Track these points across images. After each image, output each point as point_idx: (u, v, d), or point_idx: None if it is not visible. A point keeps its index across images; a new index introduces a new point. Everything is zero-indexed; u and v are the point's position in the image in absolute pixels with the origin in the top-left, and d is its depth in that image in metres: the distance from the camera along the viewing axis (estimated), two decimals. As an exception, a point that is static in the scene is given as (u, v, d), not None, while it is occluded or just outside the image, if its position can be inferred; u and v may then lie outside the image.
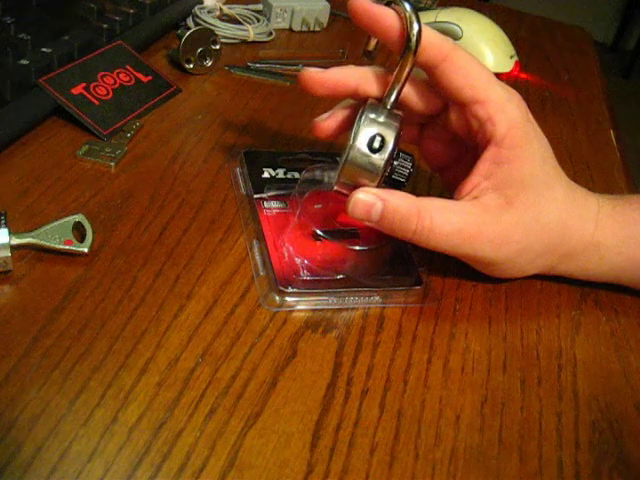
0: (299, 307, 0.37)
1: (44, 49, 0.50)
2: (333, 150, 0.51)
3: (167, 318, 0.35)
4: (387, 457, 0.30)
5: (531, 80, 0.71)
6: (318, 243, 0.40)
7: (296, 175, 0.46)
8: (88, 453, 0.28)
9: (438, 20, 0.73)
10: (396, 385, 0.33)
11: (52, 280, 0.35)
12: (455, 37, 0.72)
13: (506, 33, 0.73)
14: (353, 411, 0.32)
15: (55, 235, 0.37)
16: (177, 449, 0.29)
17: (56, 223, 0.38)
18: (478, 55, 0.72)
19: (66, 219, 0.38)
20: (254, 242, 0.40)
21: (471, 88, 0.38)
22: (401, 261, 0.41)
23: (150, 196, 0.43)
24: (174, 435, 0.29)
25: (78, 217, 0.38)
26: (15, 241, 0.36)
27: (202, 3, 0.69)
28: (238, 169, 0.47)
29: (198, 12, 0.67)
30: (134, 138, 0.49)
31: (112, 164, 0.45)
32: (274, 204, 0.43)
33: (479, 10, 0.75)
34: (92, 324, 0.33)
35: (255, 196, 0.43)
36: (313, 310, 0.37)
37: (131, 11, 0.60)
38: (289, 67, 0.64)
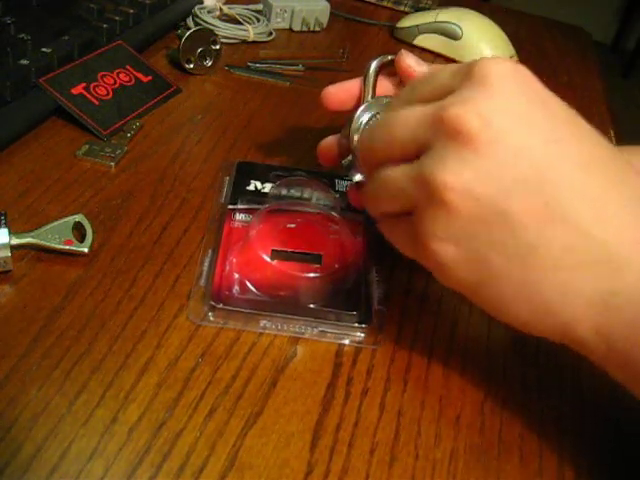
0: (227, 325, 0.35)
1: (44, 49, 0.50)
2: (332, 171, 0.50)
3: (167, 318, 0.35)
4: (387, 457, 0.30)
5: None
6: (273, 262, 0.38)
7: (283, 193, 0.44)
8: (88, 453, 0.28)
9: (438, 20, 0.74)
10: (396, 385, 0.33)
11: (52, 280, 0.35)
12: (455, 37, 0.72)
13: (506, 33, 0.73)
14: (353, 411, 0.32)
15: (55, 235, 0.37)
16: (177, 449, 0.29)
17: (56, 223, 0.38)
18: (478, 55, 0.72)
19: (66, 219, 0.38)
20: (209, 251, 0.39)
21: None
22: (356, 295, 0.37)
23: (150, 196, 0.43)
24: (174, 435, 0.29)
25: (78, 217, 0.38)
26: (15, 241, 0.36)
27: (202, 3, 0.69)
28: (227, 178, 0.45)
29: (198, 12, 0.67)
30: (134, 138, 0.49)
31: (112, 164, 0.45)
32: (243, 217, 0.41)
33: (479, 10, 0.75)
34: (92, 324, 0.33)
35: (229, 206, 0.42)
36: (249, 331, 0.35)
37: (131, 11, 0.60)
38: (289, 67, 0.64)
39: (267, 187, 0.45)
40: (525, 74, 0.29)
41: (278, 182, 0.45)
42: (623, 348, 0.27)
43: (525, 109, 0.28)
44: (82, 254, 0.37)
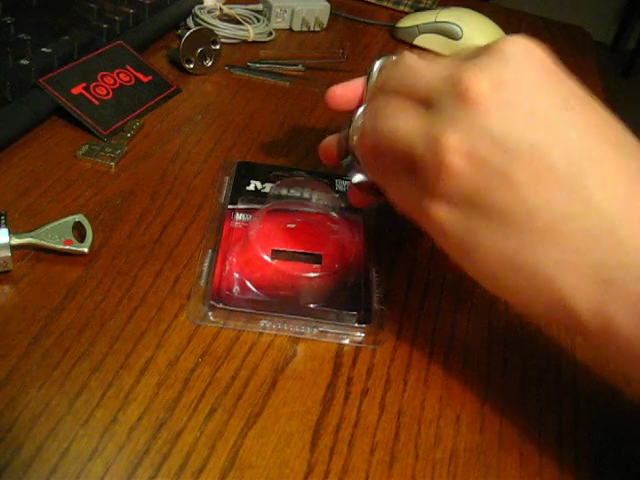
0: (227, 325, 0.35)
1: (44, 49, 0.51)
2: (332, 171, 0.50)
3: (167, 318, 0.35)
4: (387, 457, 0.30)
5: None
6: (273, 262, 0.37)
7: (283, 193, 0.44)
8: (88, 453, 0.28)
9: (438, 20, 0.74)
10: (396, 385, 0.33)
11: (52, 280, 0.35)
12: (455, 37, 0.72)
13: (506, 33, 0.73)
14: (353, 411, 0.32)
15: (55, 235, 0.37)
16: (177, 449, 0.29)
17: (56, 223, 0.38)
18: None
19: (66, 219, 0.38)
20: (209, 251, 0.39)
21: None
22: (356, 295, 0.37)
23: (150, 196, 0.43)
24: (174, 435, 0.29)
25: (78, 217, 0.38)
26: (15, 241, 0.36)
27: (202, 3, 0.69)
28: (227, 178, 0.45)
29: (198, 12, 0.67)
30: (134, 138, 0.49)
31: (112, 164, 0.45)
32: (243, 217, 0.41)
33: (479, 10, 0.75)
34: (92, 324, 0.33)
35: (229, 206, 0.42)
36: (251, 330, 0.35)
37: (131, 11, 0.60)
38: (289, 67, 0.64)
39: (267, 187, 0.45)
40: (542, 51, 0.30)
41: (278, 182, 0.45)
42: (627, 331, 0.26)
43: (538, 79, 0.29)
44: (82, 254, 0.37)
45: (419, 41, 0.75)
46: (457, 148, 0.28)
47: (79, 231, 0.38)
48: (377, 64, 0.40)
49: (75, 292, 0.35)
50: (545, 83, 0.29)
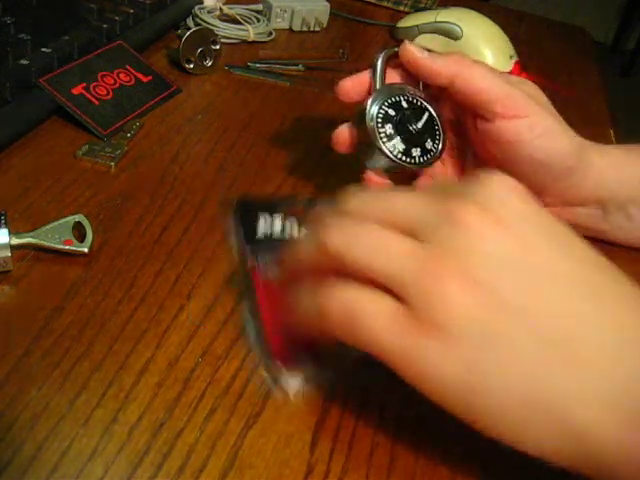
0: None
1: (44, 49, 0.51)
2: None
3: (167, 318, 0.35)
4: (387, 457, 0.30)
5: (531, 80, 0.70)
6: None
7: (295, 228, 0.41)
8: (88, 453, 0.28)
9: (438, 20, 0.73)
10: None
11: (52, 280, 0.35)
12: (455, 37, 0.72)
13: (506, 33, 0.73)
14: (353, 411, 0.32)
15: (55, 235, 0.37)
16: (177, 449, 0.29)
17: (56, 223, 0.38)
18: (478, 55, 0.72)
19: (66, 219, 0.38)
20: (248, 314, 0.35)
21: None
22: None
23: (150, 196, 0.43)
24: (174, 435, 0.29)
25: (78, 217, 0.38)
26: (15, 241, 0.36)
27: (202, 3, 0.69)
28: (231, 221, 0.41)
29: (198, 12, 0.67)
30: (134, 138, 0.49)
31: (112, 164, 0.45)
32: (269, 270, 0.37)
33: (479, 10, 0.75)
34: (92, 324, 0.33)
35: (250, 263, 0.38)
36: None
37: (131, 11, 0.60)
38: (289, 67, 0.64)
39: (277, 225, 0.41)
40: (522, 186, 0.28)
41: (289, 221, 0.42)
42: None
43: (525, 209, 0.28)
44: (82, 254, 0.37)
45: (419, 41, 0.75)
46: (456, 273, 0.25)
47: (79, 231, 0.38)
48: (381, 57, 0.41)
49: (75, 292, 0.35)
50: (532, 216, 0.28)
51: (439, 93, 0.42)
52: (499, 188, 0.28)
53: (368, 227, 0.28)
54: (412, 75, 0.41)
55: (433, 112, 0.41)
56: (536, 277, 0.26)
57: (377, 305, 0.27)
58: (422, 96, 0.42)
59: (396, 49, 0.41)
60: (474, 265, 0.26)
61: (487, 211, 0.27)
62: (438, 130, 0.41)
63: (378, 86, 0.41)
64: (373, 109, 0.40)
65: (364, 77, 0.42)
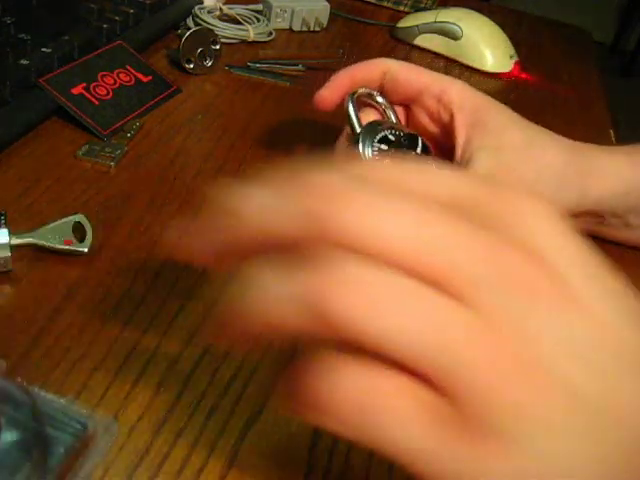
0: None
1: (44, 49, 0.50)
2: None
3: (167, 318, 0.35)
4: (387, 458, 0.30)
5: (531, 80, 0.71)
6: None
7: None
8: (88, 453, 0.28)
9: (438, 20, 0.74)
10: (396, 385, 0.33)
11: (52, 280, 0.35)
12: (455, 37, 0.72)
13: (506, 33, 0.73)
14: (353, 411, 0.32)
15: (55, 235, 0.37)
16: (177, 449, 0.29)
17: (56, 223, 0.38)
18: (478, 55, 0.72)
19: (66, 219, 0.38)
20: None
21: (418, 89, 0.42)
22: None
23: (150, 196, 0.43)
24: (174, 435, 0.29)
25: (78, 217, 0.38)
26: (15, 241, 0.36)
27: (202, 3, 0.69)
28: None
29: (198, 12, 0.67)
30: (134, 138, 0.49)
31: (112, 164, 0.45)
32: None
33: (479, 10, 0.75)
34: (92, 324, 0.33)
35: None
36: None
37: (131, 11, 0.60)
38: (289, 67, 0.64)
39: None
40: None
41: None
42: None
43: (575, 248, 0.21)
44: (82, 254, 0.37)
45: (419, 41, 0.75)
46: (527, 366, 0.19)
47: (79, 231, 0.38)
48: (350, 103, 0.42)
49: (75, 292, 0.35)
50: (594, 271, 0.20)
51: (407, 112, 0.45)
52: (544, 221, 0.20)
53: (394, 282, 0.19)
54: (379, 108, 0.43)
55: (419, 136, 0.42)
56: (616, 365, 0.20)
57: (406, 400, 0.20)
58: (399, 125, 0.43)
59: (360, 90, 0.43)
60: (549, 355, 0.19)
61: (550, 269, 0.20)
62: (430, 151, 0.42)
63: (358, 129, 0.41)
64: (367, 151, 0.40)
65: (339, 82, 0.43)
